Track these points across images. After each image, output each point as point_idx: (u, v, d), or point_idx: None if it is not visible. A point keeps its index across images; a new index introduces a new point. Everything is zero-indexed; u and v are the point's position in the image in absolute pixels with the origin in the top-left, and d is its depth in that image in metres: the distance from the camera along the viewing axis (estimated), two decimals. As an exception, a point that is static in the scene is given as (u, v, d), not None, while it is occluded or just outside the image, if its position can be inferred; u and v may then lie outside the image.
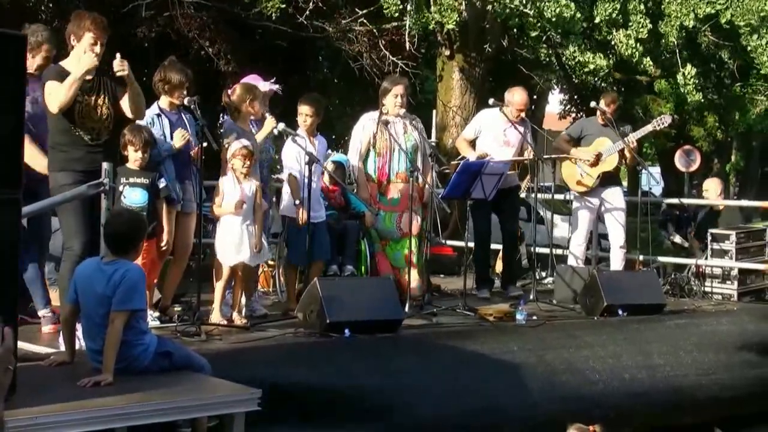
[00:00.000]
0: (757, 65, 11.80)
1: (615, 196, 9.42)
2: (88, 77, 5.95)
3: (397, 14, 12.50)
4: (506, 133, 8.96)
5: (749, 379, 7.89)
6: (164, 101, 6.99)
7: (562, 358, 6.96)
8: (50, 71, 5.98)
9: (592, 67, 12.56)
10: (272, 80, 8.02)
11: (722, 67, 14.67)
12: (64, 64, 6.00)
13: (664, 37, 12.17)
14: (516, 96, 9.00)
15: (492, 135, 8.97)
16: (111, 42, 6.24)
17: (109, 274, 5.05)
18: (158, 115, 6.92)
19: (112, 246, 5.22)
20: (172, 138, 6.89)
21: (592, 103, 9.53)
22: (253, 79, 7.92)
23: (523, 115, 8.98)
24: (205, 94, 6.81)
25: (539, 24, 12.19)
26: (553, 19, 11.85)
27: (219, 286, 6.84)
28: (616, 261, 9.35)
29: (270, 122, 7.46)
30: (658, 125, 9.47)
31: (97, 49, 5.90)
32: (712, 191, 11.13)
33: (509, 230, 9.13)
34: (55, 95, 5.84)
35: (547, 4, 11.52)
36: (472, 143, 9.10)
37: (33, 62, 6.61)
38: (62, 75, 5.88)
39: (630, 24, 11.81)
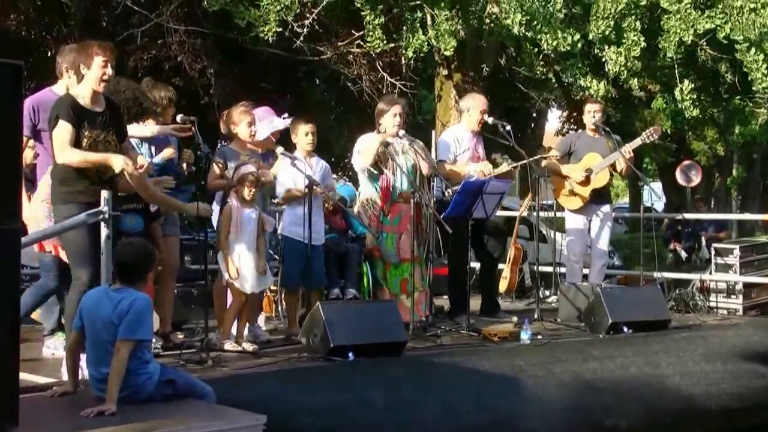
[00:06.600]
0: (754, 80, 11.72)
1: (606, 214, 9.44)
2: (98, 109, 5.93)
3: (383, 44, 12.40)
4: (477, 149, 8.74)
5: (757, 389, 7.86)
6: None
7: (570, 370, 6.95)
8: (62, 104, 5.86)
9: (592, 91, 12.49)
10: (285, 116, 7.91)
11: (720, 81, 14.62)
12: (75, 92, 5.95)
13: (662, 52, 12.12)
14: (477, 98, 8.81)
15: (465, 154, 8.64)
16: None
17: (116, 302, 5.05)
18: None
19: (121, 274, 5.22)
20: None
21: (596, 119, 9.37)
22: (266, 112, 7.85)
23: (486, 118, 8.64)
24: (198, 121, 6.81)
25: (535, 50, 12.19)
26: (549, 50, 11.81)
27: (229, 312, 6.87)
28: (598, 274, 9.37)
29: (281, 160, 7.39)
30: (647, 138, 9.35)
31: (109, 71, 5.89)
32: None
33: (485, 254, 8.90)
34: (66, 151, 5.75)
35: (544, 35, 11.31)
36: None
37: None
38: (72, 111, 5.78)
39: (623, 42, 11.74)
